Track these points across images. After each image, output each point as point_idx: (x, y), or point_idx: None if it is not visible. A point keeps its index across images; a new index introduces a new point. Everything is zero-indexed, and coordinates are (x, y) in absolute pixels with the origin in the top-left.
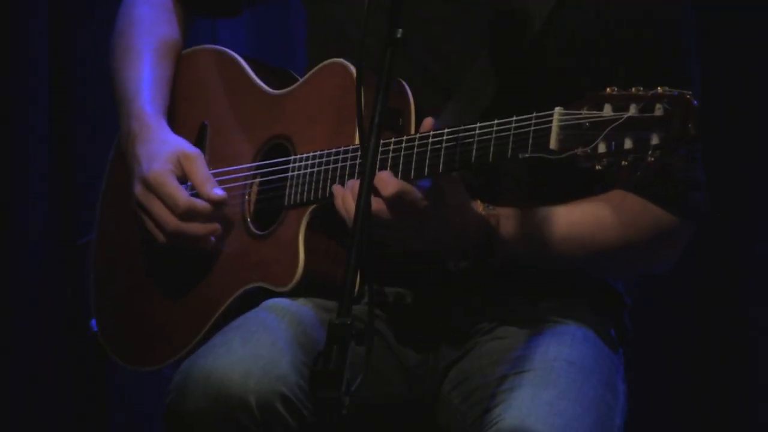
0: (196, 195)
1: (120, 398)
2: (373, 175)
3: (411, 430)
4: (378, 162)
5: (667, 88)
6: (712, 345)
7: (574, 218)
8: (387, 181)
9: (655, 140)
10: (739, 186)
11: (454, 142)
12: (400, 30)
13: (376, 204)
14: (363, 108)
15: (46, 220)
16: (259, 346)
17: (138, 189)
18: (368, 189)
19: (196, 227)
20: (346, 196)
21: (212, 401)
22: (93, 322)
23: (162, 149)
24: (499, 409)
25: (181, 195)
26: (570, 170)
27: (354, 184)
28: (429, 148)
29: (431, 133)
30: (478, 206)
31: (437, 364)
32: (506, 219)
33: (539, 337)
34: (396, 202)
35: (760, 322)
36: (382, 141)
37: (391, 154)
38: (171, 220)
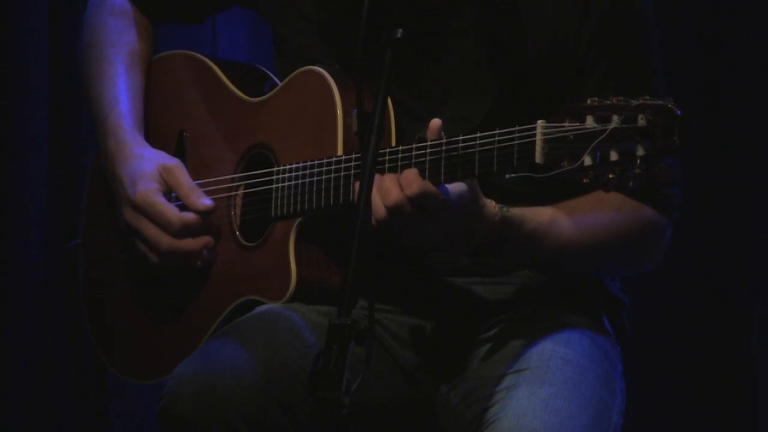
0: (183, 206)
1: (120, 398)
2: (372, 176)
3: (410, 430)
4: (350, 177)
5: (647, 98)
6: (712, 345)
7: (577, 222)
8: (412, 180)
9: (640, 152)
10: (740, 186)
11: (438, 156)
12: (401, 30)
13: (399, 200)
14: (355, 115)
15: (46, 220)
16: (251, 349)
17: (127, 213)
18: (368, 190)
19: (189, 243)
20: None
21: (205, 405)
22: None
23: (142, 166)
24: (496, 408)
25: (172, 213)
26: (557, 182)
27: (381, 179)
28: (413, 161)
29: (414, 146)
30: (493, 207)
31: (435, 364)
32: (519, 222)
33: (536, 336)
34: (418, 201)
35: (761, 323)
36: (353, 155)
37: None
38: (165, 240)
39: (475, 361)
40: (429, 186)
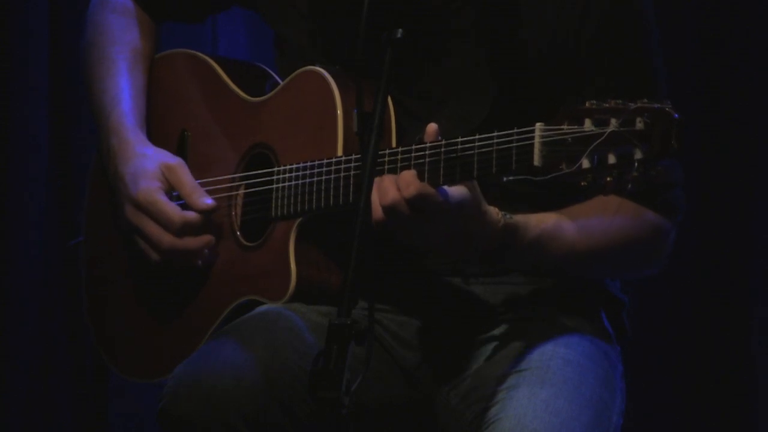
0: (184, 205)
1: (120, 398)
2: (372, 176)
3: (410, 430)
4: (350, 177)
5: (646, 101)
6: (712, 345)
7: (581, 227)
8: (409, 182)
9: (638, 155)
10: (740, 186)
11: (437, 157)
12: (401, 30)
13: (395, 200)
14: (355, 115)
15: (46, 220)
16: (251, 349)
17: (128, 210)
18: (368, 191)
19: (190, 241)
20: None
21: (205, 405)
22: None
23: (144, 165)
24: (496, 408)
25: (174, 211)
26: (557, 184)
27: (380, 180)
28: (412, 162)
29: (414, 147)
30: (496, 214)
31: (435, 364)
32: (523, 229)
33: (536, 336)
34: (415, 203)
35: (761, 323)
36: (353, 156)
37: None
38: (166, 238)
39: (476, 361)
40: (427, 188)
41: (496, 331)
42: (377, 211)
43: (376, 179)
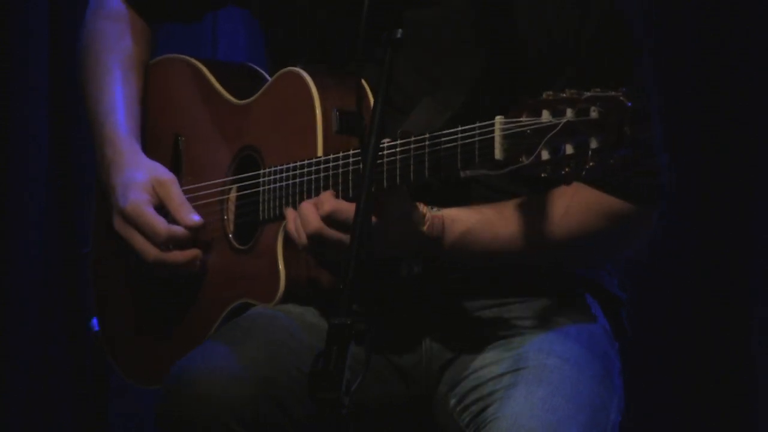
0: (173, 221)
1: (120, 398)
2: (372, 176)
3: (410, 430)
4: (329, 178)
5: (598, 90)
6: (712, 345)
7: (525, 216)
8: (324, 200)
9: (594, 144)
10: (740, 186)
11: (407, 154)
12: (400, 30)
13: (316, 224)
14: (335, 115)
15: (46, 220)
16: (249, 350)
17: (117, 222)
18: (368, 191)
19: (177, 255)
20: (297, 220)
21: (203, 405)
22: (94, 320)
23: (135, 177)
24: (494, 407)
25: (160, 224)
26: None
27: (303, 205)
28: (384, 160)
29: (386, 143)
30: (423, 211)
31: (432, 365)
32: (451, 224)
33: (533, 335)
34: (332, 219)
35: (761, 323)
36: (332, 156)
37: (350, 167)
38: (151, 251)
39: (473, 360)
40: (341, 204)
41: (493, 330)
42: (302, 239)
43: (299, 206)
